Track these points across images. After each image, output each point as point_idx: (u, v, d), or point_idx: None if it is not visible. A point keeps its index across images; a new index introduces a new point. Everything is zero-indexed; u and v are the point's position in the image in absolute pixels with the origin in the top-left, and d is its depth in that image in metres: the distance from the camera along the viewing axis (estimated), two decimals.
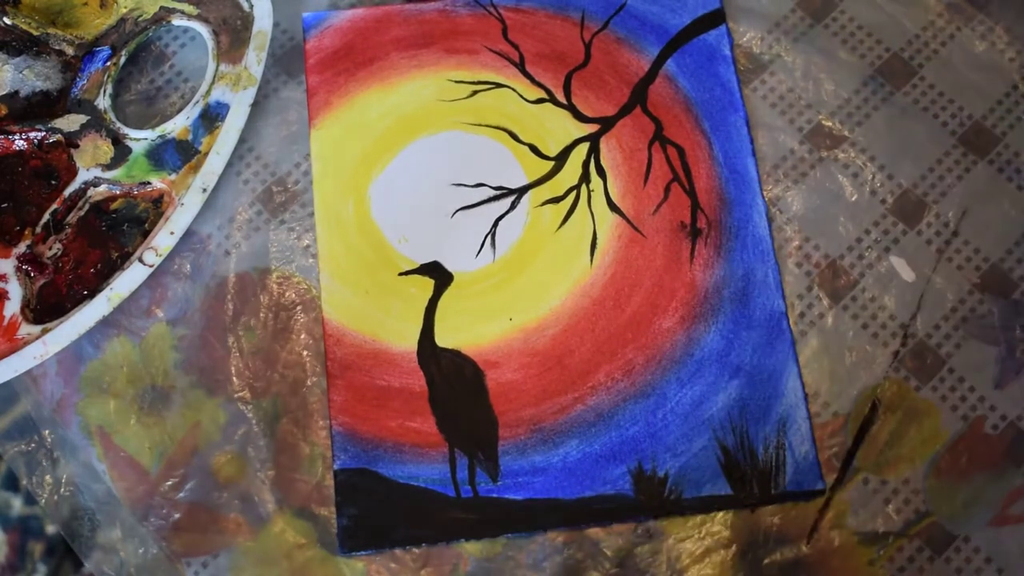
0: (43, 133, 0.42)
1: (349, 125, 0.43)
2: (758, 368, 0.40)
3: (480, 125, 0.43)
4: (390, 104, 0.44)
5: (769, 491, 0.38)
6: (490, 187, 0.42)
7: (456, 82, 0.44)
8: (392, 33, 0.44)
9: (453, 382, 0.40)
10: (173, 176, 0.42)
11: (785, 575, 0.38)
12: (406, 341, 0.40)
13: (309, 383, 0.40)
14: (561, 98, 0.44)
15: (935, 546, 0.38)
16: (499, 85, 0.44)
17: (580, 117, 0.43)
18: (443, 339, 0.40)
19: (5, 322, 0.39)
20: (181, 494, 0.39)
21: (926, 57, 0.45)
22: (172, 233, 0.40)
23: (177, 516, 0.39)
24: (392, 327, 0.40)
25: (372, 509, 0.38)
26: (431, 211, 0.42)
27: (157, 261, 0.40)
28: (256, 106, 0.42)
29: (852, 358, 0.41)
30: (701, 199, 0.42)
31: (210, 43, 0.43)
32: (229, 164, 0.41)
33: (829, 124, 0.44)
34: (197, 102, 0.42)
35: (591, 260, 0.41)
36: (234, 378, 0.40)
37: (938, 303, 0.41)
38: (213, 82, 0.42)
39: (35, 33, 0.43)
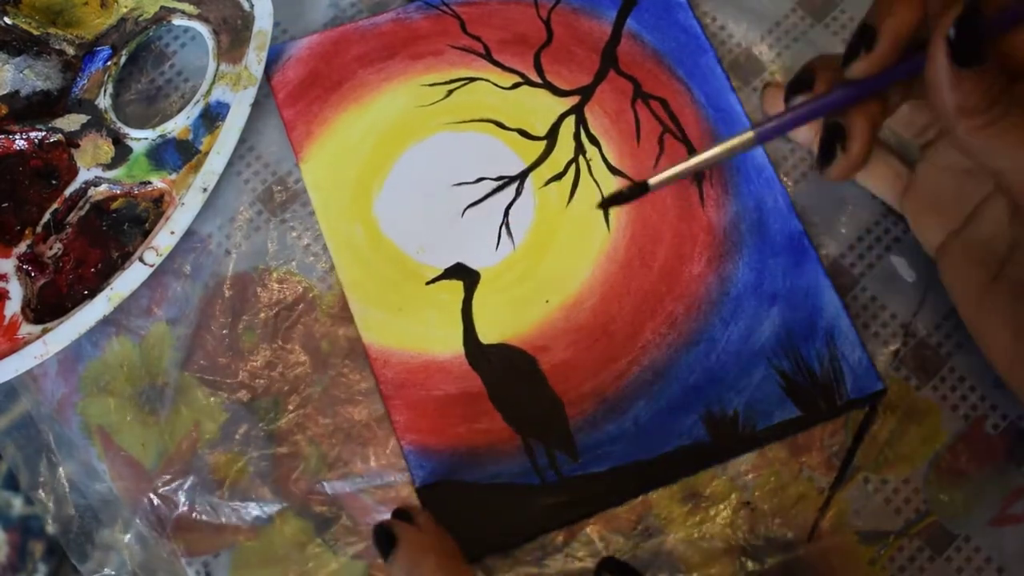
0: (43, 133, 0.42)
1: (336, 151, 0.43)
2: (792, 290, 0.40)
3: (464, 122, 0.43)
4: (370, 121, 0.43)
5: (835, 403, 0.39)
6: (491, 179, 0.42)
7: (430, 85, 0.44)
8: (353, 51, 0.44)
9: (508, 375, 0.39)
10: (173, 176, 0.42)
11: (785, 575, 0.38)
12: (451, 347, 0.40)
13: (309, 382, 0.40)
14: (535, 78, 0.44)
15: (935, 546, 0.38)
16: (472, 79, 0.44)
17: (558, 92, 0.44)
18: (487, 336, 0.40)
19: (6, 322, 0.39)
20: (181, 493, 0.39)
21: None
22: (172, 233, 0.40)
23: (177, 516, 0.39)
24: (434, 337, 0.40)
25: (465, 517, 0.38)
26: (441, 215, 0.42)
27: (157, 261, 0.40)
28: (256, 106, 0.42)
29: None
30: (695, 143, 0.43)
31: (210, 43, 0.43)
32: (229, 164, 0.41)
33: None
34: (197, 102, 0.42)
35: (608, 226, 0.41)
36: (234, 377, 0.40)
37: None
38: (213, 82, 0.42)
39: (35, 33, 0.43)
